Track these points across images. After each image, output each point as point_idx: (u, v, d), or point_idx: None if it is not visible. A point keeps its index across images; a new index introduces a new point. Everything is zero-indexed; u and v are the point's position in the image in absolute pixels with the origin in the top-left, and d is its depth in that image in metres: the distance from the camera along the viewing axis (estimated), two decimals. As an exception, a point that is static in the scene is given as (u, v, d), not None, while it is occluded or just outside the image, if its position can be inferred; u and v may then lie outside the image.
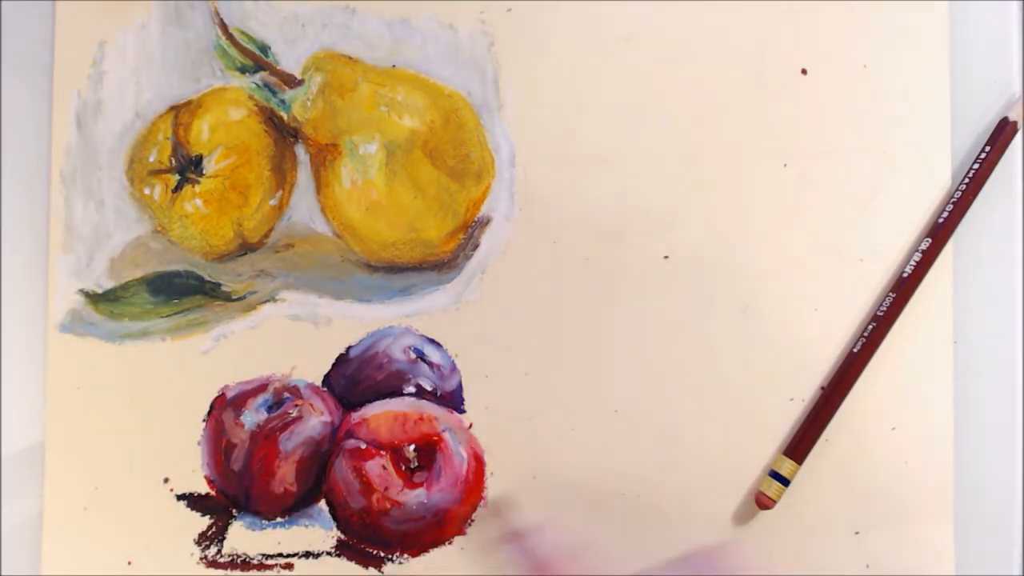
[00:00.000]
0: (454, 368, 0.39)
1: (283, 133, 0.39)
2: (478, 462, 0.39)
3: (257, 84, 0.39)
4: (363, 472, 0.38)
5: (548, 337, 0.39)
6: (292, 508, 0.39)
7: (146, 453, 0.39)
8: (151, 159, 0.39)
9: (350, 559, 0.38)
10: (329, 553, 0.38)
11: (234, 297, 0.39)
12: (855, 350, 0.38)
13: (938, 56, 0.39)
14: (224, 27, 0.39)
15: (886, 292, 0.38)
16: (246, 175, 0.39)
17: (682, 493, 0.39)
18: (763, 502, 0.38)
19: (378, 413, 0.38)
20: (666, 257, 0.39)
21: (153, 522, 0.39)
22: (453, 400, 0.39)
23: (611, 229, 0.39)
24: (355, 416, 0.39)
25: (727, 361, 0.39)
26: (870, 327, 0.38)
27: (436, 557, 0.38)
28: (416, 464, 0.38)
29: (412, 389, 0.39)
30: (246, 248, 0.39)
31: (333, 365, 0.39)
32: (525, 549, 0.37)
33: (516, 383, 0.39)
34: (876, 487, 0.39)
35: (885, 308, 0.38)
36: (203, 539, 0.39)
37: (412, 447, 0.38)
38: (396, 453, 0.38)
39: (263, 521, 0.39)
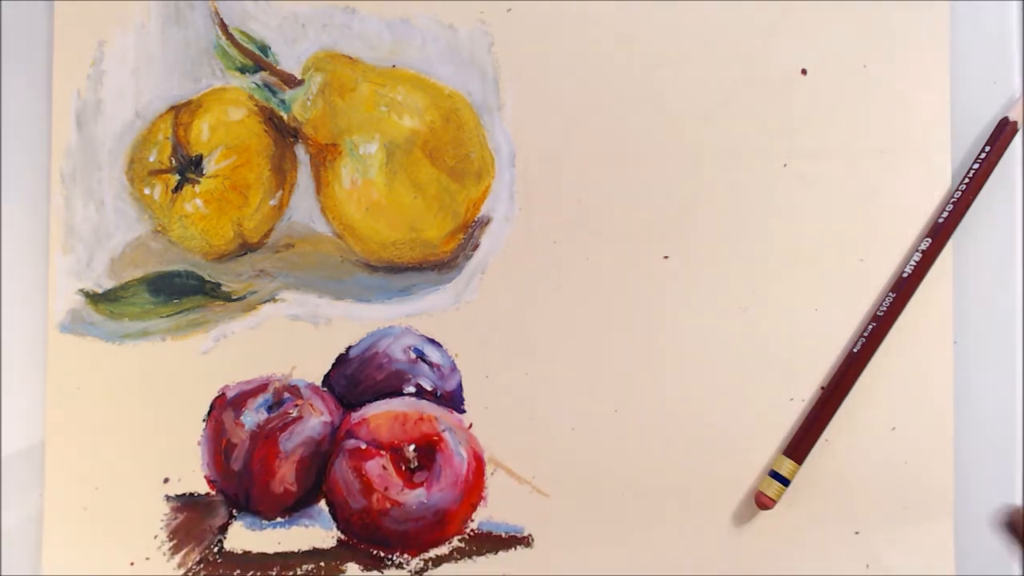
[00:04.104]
0: (454, 368, 0.39)
1: (283, 133, 0.39)
2: (478, 462, 0.39)
3: (257, 84, 0.39)
4: (363, 472, 0.38)
5: (548, 337, 0.39)
6: (292, 508, 0.39)
7: (146, 453, 0.39)
8: (151, 159, 0.39)
9: (350, 559, 0.38)
10: (329, 553, 0.38)
11: (234, 297, 0.39)
12: (855, 350, 0.38)
13: (938, 56, 0.39)
14: (224, 27, 0.39)
15: (886, 292, 0.38)
16: (246, 175, 0.39)
17: (682, 493, 0.39)
18: (763, 502, 0.38)
19: (378, 413, 0.38)
20: (666, 257, 0.39)
21: (153, 522, 0.39)
22: (453, 400, 0.39)
23: (611, 229, 0.39)
24: (355, 416, 0.39)
25: (727, 361, 0.39)
26: (870, 327, 0.38)
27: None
28: (416, 464, 0.38)
29: (412, 389, 0.39)
30: (246, 248, 0.39)
31: (333, 365, 0.39)
32: None
33: (516, 383, 0.39)
34: (876, 487, 0.39)
35: (885, 308, 0.38)
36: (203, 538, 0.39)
37: (412, 447, 0.38)
38: (396, 453, 0.38)
39: (263, 521, 0.39)
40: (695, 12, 0.39)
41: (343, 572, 0.38)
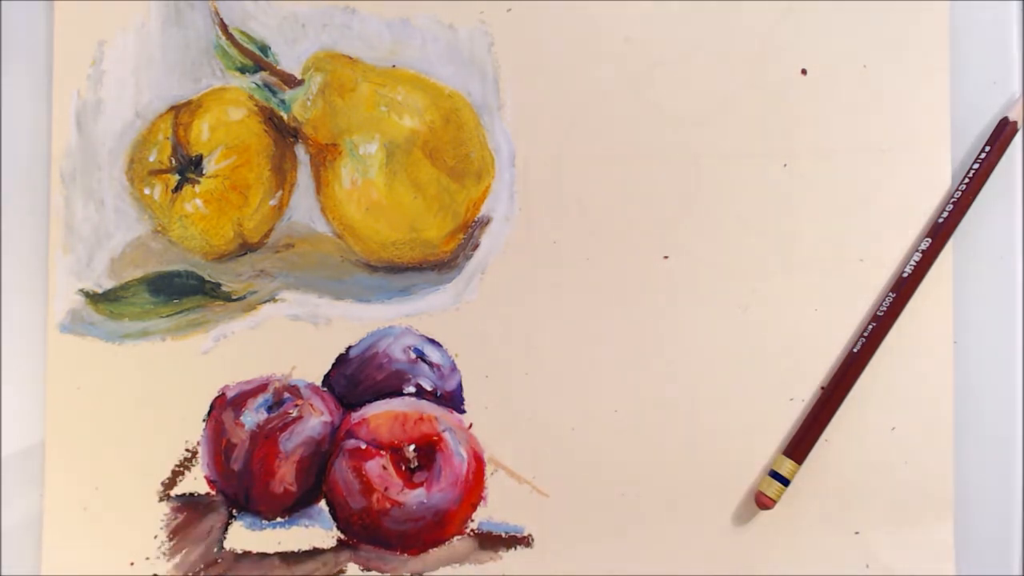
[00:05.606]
0: (454, 368, 0.39)
1: (283, 133, 0.39)
2: (478, 462, 0.39)
3: (257, 84, 0.39)
4: (363, 472, 0.38)
5: (548, 337, 0.39)
6: (292, 508, 0.39)
7: (146, 453, 0.39)
8: (151, 159, 0.39)
9: (350, 559, 0.38)
10: (329, 553, 0.38)
11: (234, 297, 0.39)
12: (855, 350, 0.38)
13: (938, 56, 0.39)
14: (224, 27, 0.39)
15: (886, 292, 0.38)
16: (246, 175, 0.39)
17: (682, 493, 0.39)
18: (763, 502, 0.38)
19: (378, 413, 0.38)
20: (666, 257, 0.39)
21: (153, 522, 0.39)
22: (453, 400, 0.39)
23: (611, 229, 0.39)
24: (355, 416, 0.39)
25: (727, 361, 0.39)
26: (870, 327, 0.38)
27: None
28: (416, 464, 0.38)
29: (412, 389, 0.39)
30: (246, 248, 0.39)
31: (333, 365, 0.39)
32: None
33: (516, 383, 0.39)
34: (876, 487, 0.39)
35: (885, 308, 0.38)
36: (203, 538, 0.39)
37: (412, 447, 0.38)
38: (396, 453, 0.38)
39: (263, 521, 0.39)
40: (695, 12, 0.39)
41: (343, 572, 0.38)
